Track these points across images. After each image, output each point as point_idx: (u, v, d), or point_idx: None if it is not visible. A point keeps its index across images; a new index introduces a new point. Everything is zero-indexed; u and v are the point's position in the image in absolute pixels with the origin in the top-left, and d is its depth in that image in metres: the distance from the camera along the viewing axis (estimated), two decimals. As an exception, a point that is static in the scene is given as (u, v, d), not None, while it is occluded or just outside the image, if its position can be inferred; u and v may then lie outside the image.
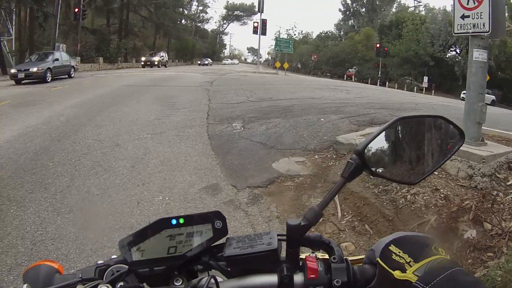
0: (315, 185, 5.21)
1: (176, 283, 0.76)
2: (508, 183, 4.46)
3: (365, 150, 0.78)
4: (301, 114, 9.06)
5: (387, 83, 43.97)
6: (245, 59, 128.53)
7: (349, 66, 52.55)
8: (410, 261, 0.67)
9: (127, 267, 0.75)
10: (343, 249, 3.80)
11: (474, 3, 5.34)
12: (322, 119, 8.36)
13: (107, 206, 4.43)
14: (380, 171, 0.83)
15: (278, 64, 37.15)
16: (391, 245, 0.71)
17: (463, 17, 5.50)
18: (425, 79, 40.95)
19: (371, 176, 0.77)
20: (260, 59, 59.08)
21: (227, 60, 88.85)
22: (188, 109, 10.24)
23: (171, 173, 5.47)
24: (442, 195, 4.27)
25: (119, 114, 9.32)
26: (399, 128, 0.87)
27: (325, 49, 58.00)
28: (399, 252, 0.69)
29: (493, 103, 30.13)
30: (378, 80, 44.92)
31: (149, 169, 5.61)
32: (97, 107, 10.28)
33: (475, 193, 4.26)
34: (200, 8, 76.31)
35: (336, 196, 4.74)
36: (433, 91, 38.99)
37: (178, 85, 16.38)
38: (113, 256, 0.81)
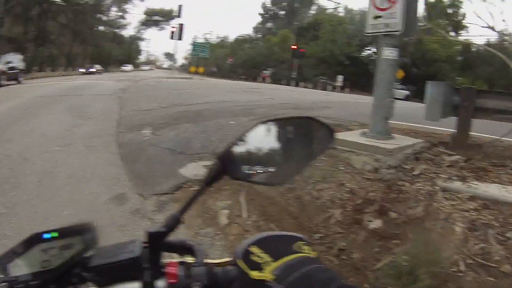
0: (221, 188, 5.22)
1: None
2: (414, 173, 4.66)
3: (228, 155, 0.79)
4: (212, 118, 9.29)
5: (300, 83, 44.76)
6: (161, 65, 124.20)
7: (265, 68, 52.95)
8: (269, 260, 0.69)
9: (5, 284, 0.75)
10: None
11: (388, 4, 5.64)
12: (232, 122, 8.67)
13: (14, 225, 4.32)
14: (243, 174, 0.82)
15: (192, 69, 37.09)
16: (253, 245, 0.73)
17: (376, 17, 5.77)
18: (340, 78, 42.47)
19: (233, 180, 0.81)
20: (176, 64, 58.03)
21: (126, 66, 72.46)
22: (98, 118, 10.09)
23: (79, 186, 5.49)
24: (347, 189, 4.40)
25: (29, 127, 8.96)
26: (265, 131, 0.86)
27: (242, 52, 58.32)
28: (260, 252, 0.71)
29: (407, 98, 31.85)
30: (293, 81, 45.99)
31: (57, 183, 5.57)
32: (7, 120, 9.71)
33: (381, 185, 4.41)
34: (120, 13, 73.81)
35: (243, 198, 4.92)
36: (348, 89, 40.72)
37: (92, 94, 15.90)
38: None
